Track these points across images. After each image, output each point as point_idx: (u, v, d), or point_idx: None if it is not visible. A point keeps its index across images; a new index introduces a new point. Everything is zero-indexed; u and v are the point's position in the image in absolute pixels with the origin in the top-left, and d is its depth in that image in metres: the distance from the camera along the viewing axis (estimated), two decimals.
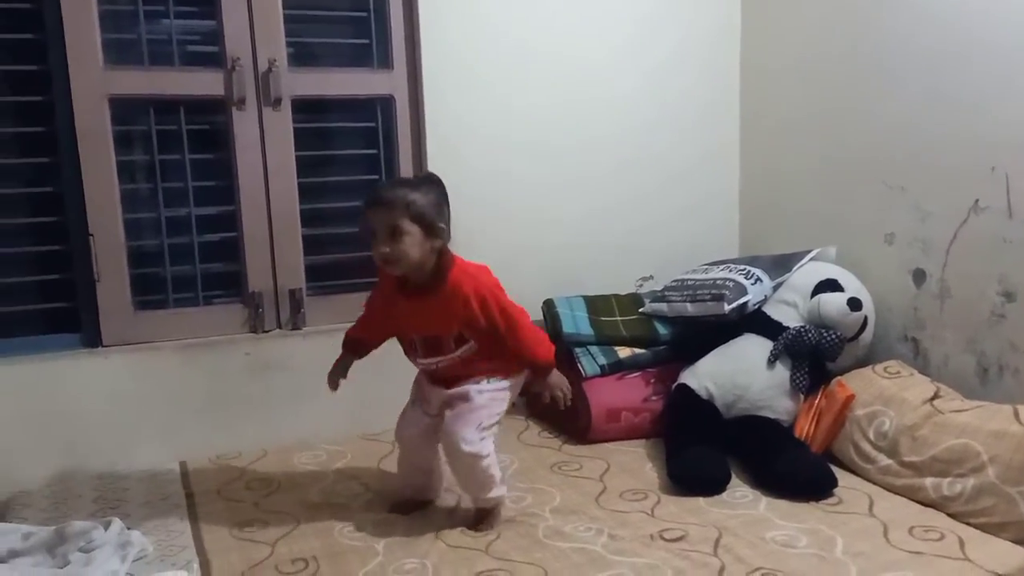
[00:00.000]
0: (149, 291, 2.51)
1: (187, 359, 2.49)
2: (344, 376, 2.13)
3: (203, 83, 2.46)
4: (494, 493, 2.00)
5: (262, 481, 2.31)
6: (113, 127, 2.37)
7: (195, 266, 2.54)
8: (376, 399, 2.67)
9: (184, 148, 2.47)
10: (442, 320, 1.94)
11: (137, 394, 2.44)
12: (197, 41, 2.50)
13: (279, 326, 2.62)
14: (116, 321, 2.44)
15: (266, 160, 2.53)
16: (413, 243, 1.85)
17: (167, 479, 2.33)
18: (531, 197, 2.83)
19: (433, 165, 2.68)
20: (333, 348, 2.61)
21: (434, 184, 1.94)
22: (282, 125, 2.54)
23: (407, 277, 1.94)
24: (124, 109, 2.41)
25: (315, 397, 2.59)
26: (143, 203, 2.48)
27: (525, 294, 2.77)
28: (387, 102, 2.67)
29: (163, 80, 2.43)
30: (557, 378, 2.02)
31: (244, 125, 2.50)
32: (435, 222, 1.87)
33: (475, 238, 2.75)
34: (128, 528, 1.97)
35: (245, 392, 2.55)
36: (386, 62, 2.65)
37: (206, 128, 2.53)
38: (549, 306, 2.72)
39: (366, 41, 2.64)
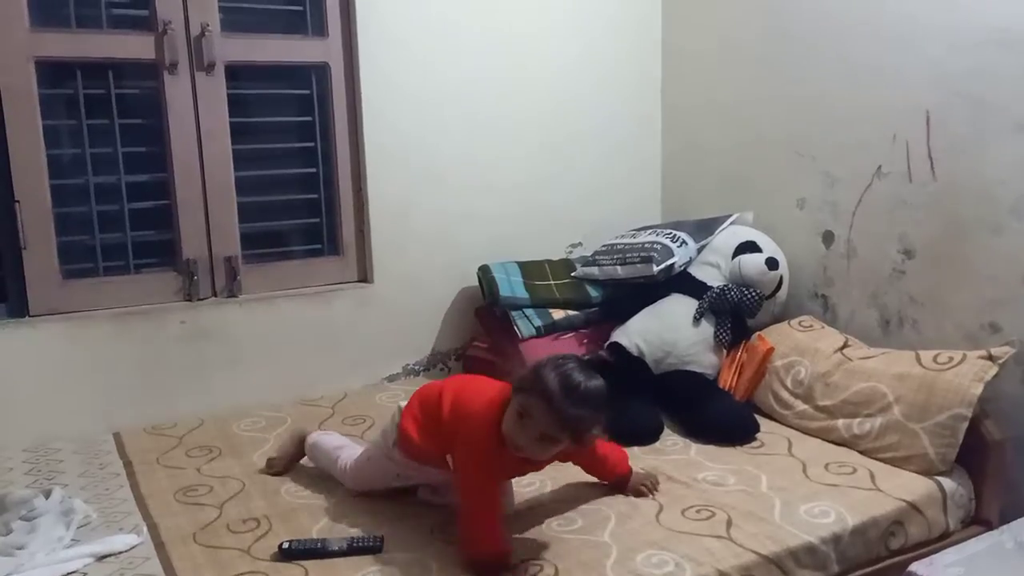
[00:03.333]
0: (78, 259, 2.45)
1: (119, 328, 2.45)
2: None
3: (133, 46, 2.41)
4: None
5: (202, 448, 2.30)
6: (40, 90, 2.30)
7: (126, 234, 2.49)
8: (313, 365, 2.71)
9: (113, 113, 2.42)
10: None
11: (68, 364, 2.39)
12: (126, 4, 2.44)
13: (214, 294, 2.60)
14: (44, 290, 2.38)
15: (199, 126, 2.50)
16: (557, 449, 1.69)
17: (102, 450, 2.30)
18: (465, 166, 2.88)
19: (369, 133, 2.71)
20: (269, 316, 2.65)
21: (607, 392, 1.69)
22: (215, 90, 2.51)
23: None
24: (51, 72, 2.34)
25: (252, 365, 2.63)
26: (71, 169, 2.42)
27: (460, 260, 2.88)
28: (322, 70, 2.67)
29: (91, 43, 2.37)
30: None
31: (176, 90, 2.46)
32: (592, 437, 1.74)
33: (410, 206, 2.82)
34: (68, 497, 1.95)
35: (180, 361, 2.53)
36: (320, 29, 2.65)
37: (136, 93, 2.48)
38: (485, 271, 2.78)
39: (300, 7, 2.63)
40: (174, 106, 2.47)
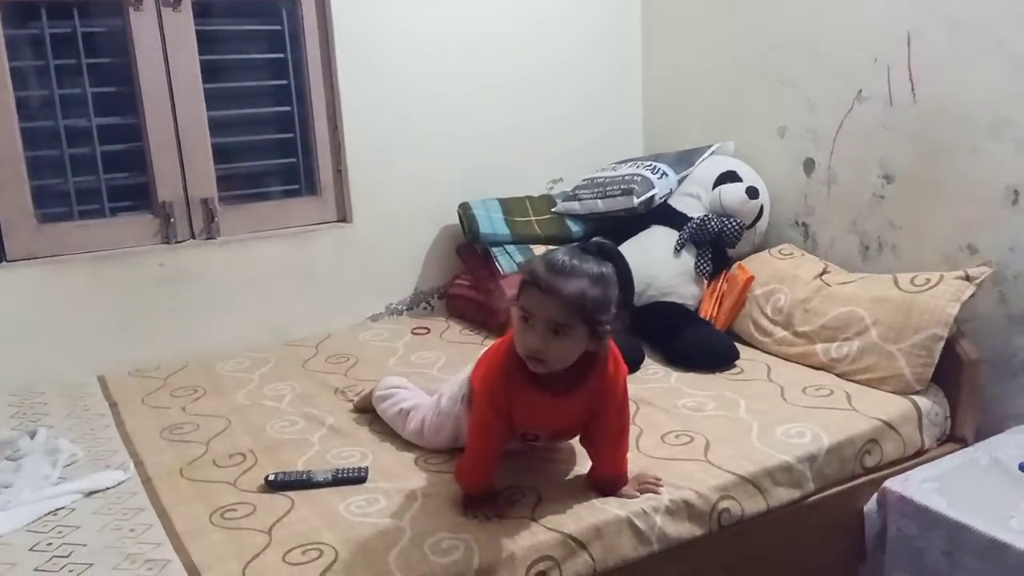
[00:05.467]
0: (53, 204, 2.42)
1: (98, 272, 2.43)
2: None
3: None
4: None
5: (186, 389, 2.30)
6: (5, 31, 2.24)
7: (99, 177, 2.46)
8: (295, 306, 2.71)
9: (80, 52, 2.36)
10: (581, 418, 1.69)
11: (48, 309, 2.37)
12: None
13: (192, 236, 2.58)
14: (19, 234, 2.36)
15: (168, 64, 2.45)
16: (574, 345, 1.53)
17: (86, 392, 2.30)
18: (442, 102, 2.83)
19: (343, 70, 2.66)
20: (249, 257, 2.63)
21: (615, 266, 1.54)
22: (183, 26, 2.45)
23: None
24: (15, 11, 2.28)
25: (233, 306, 2.62)
26: (41, 112, 2.37)
27: (440, 198, 2.86)
28: (292, 3, 2.61)
29: None
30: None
31: (142, 27, 2.40)
32: (605, 321, 1.51)
33: (388, 144, 2.78)
34: (54, 437, 1.96)
35: (161, 304, 2.51)
36: None
37: (103, 31, 2.42)
38: (465, 209, 2.77)
39: None
40: (141, 44, 2.41)
